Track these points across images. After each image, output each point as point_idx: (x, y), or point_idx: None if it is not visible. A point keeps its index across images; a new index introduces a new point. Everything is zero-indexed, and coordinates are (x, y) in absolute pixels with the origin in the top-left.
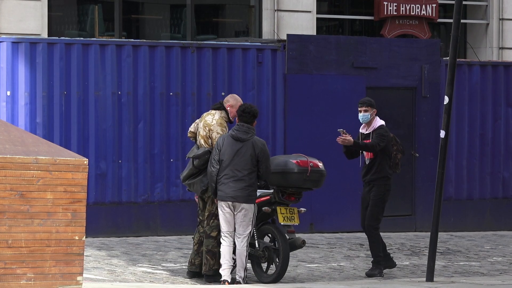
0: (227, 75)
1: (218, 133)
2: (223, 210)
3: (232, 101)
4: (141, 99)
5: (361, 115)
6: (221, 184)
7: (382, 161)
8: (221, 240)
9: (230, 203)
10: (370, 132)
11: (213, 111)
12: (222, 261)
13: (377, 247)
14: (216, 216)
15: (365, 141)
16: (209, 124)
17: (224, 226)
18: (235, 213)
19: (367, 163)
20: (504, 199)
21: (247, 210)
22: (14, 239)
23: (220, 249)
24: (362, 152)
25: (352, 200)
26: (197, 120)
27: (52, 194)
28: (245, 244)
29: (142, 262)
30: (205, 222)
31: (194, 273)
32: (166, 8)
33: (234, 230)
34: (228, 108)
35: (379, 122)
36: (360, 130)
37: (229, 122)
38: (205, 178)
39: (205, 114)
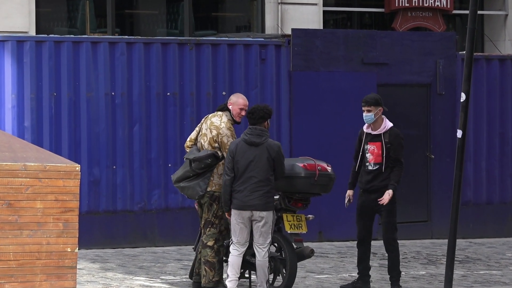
0: (228, 73)
1: (228, 137)
2: (238, 220)
3: (233, 98)
4: (136, 100)
5: (364, 115)
6: (237, 193)
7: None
8: (230, 249)
9: (248, 212)
10: (380, 134)
11: (220, 113)
12: (229, 271)
13: (399, 261)
14: (212, 224)
15: (372, 143)
16: (217, 127)
17: (236, 236)
18: (254, 222)
19: (371, 168)
20: None
21: (267, 218)
22: (2, 251)
23: (229, 259)
24: (364, 155)
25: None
26: (197, 128)
27: (42, 203)
28: (267, 255)
29: (139, 275)
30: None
31: (199, 284)
32: (162, 2)
33: (249, 241)
34: (230, 106)
35: (389, 123)
36: (365, 130)
37: (236, 123)
38: (203, 182)
39: (210, 115)
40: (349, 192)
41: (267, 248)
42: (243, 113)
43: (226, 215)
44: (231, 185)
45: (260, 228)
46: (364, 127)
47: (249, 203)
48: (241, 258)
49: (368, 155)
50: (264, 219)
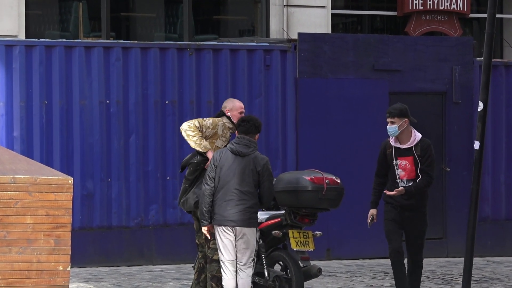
0: (230, 80)
1: (205, 121)
2: (222, 236)
3: (229, 104)
4: (132, 108)
5: (388, 128)
6: (218, 207)
7: None
8: (221, 271)
9: (229, 227)
10: (411, 147)
11: (218, 119)
12: None
13: (420, 282)
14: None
15: (402, 158)
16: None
17: (224, 255)
18: (236, 239)
19: (404, 185)
20: None
21: (250, 236)
22: None
23: (222, 283)
24: (394, 170)
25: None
26: None
27: (32, 218)
28: (250, 273)
29: None
30: (205, 245)
31: None
32: (160, 5)
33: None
34: (228, 113)
35: (418, 134)
36: (393, 144)
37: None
38: (198, 189)
39: None
40: (373, 211)
41: (252, 266)
42: (243, 115)
43: (204, 230)
44: (211, 196)
45: (242, 246)
46: (391, 141)
47: (230, 218)
48: (235, 278)
49: (399, 171)
50: (246, 236)
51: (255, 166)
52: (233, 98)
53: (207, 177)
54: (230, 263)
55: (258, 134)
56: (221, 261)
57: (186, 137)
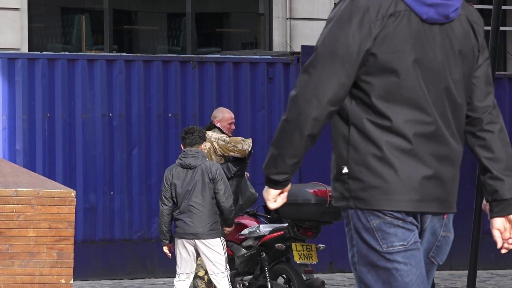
0: (233, 93)
1: (224, 139)
2: (180, 249)
3: (218, 115)
4: (135, 121)
5: None
6: (178, 221)
7: None
8: (175, 281)
9: (191, 240)
10: None
11: (209, 132)
12: None
13: None
14: None
15: None
16: (208, 139)
17: (181, 267)
18: (200, 253)
19: None
20: None
21: (215, 246)
22: None
23: None
24: None
25: None
26: None
27: (34, 231)
28: (228, 283)
29: None
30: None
31: None
32: (163, 18)
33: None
34: (218, 124)
35: None
36: None
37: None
38: None
39: None
40: None
41: (226, 275)
42: (233, 126)
43: (165, 249)
44: (169, 215)
45: (210, 257)
46: None
47: (191, 231)
48: None
49: None
50: (212, 247)
51: (207, 174)
52: (224, 108)
53: (163, 197)
54: (185, 275)
55: (204, 143)
56: (177, 272)
57: (234, 146)
